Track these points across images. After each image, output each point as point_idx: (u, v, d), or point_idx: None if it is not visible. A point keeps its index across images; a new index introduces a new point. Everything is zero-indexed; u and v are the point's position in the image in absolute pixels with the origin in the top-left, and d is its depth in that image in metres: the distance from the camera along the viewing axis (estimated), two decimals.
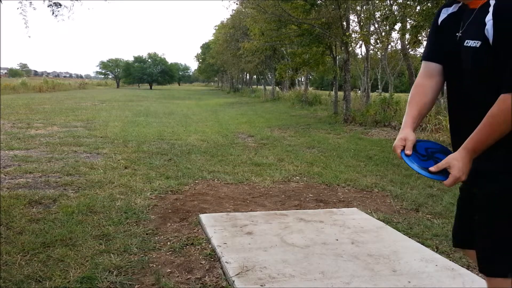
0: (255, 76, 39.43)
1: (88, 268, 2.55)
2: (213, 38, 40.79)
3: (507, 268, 1.42)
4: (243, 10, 22.50)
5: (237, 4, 22.65)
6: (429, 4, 7.50)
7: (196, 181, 4.88)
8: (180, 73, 71.75)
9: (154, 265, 2.66)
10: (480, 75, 1.41)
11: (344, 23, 12.96)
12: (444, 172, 1.45)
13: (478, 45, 1.39)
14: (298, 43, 15.36)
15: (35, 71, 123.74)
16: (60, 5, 8.84)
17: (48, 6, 8.76)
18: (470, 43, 1.41)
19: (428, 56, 1.64)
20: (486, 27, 1.36)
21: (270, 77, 29.81)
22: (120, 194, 4.18)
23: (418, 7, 8.12)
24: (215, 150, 6.91)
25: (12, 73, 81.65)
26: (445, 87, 1.66)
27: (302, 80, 27.75)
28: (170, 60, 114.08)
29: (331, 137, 9.34)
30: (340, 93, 15.35)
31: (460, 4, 1.53)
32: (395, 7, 9.77)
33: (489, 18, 1.36)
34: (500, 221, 1.44)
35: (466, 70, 1.45)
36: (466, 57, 1.43)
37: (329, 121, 12.99)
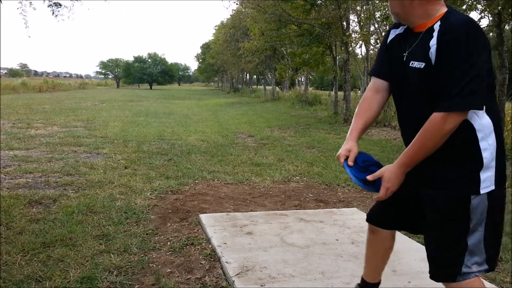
0: (255, 76, 39.44)
1: (88, 268, 2.55)
2: (213, 38, 40.80)
3: (454, 273, 1.54)
4: (243, 10, 22.50)
5: (237, 4, 22.64)
6: None
7: (196, 181, 4.88)
8: (180, 73, 71.83)
9: (154, 265, 2.66)
10: (423, 93, 1.52)
11: (344, 23, 12.96)
12: (377, 184, 1.62)
13: (422, 67, 1.51)
14: (298, 43, 15.36)
15: (35, 71, 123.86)
16: (60, 5, 8.85)
17: (48, 6, 8.77)
18: (415, 64, 1.53)
19: (375, 72, 1.78)
20: (431, 50, 1.48)
21: (270, 77, 29.81)
22: (120, 194, 4.18)
23: None
24: (215, 150, 6.91)
25: (12, 73, 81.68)
26: None
27: (302, 80, 27.75)
28: (170, 60, 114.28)
29: (331, 137, 9.34)
30: (340, 93, 15.34)
31: (406, 26, 1.64)
32: None
33: (433, 43, 1.47)
34: (448, 226, 1.54)
35: (411, 88, 1.57)
36: (411, 77, 1.55)
37: (329, 121, 12.99)
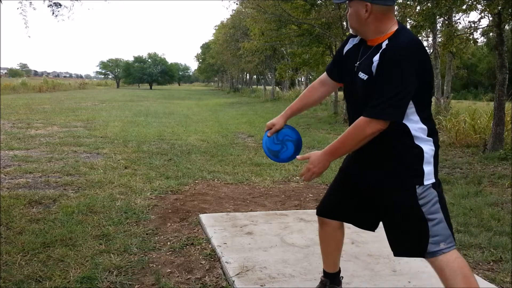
0: (255, 76, 39.42)
1: (88, 268, 2.55)
2: (213, 38, 40.75)
3: (422, 252, 1.75)
4: (243, 10, 22.49)
5: (237, 4, 22.63)
6: (429, 4, 7.49)
7: (196, 181, 4.87)
8: (180, 73, 71.73)
9: (154, 265, 2.66)
10: (365, 99, 1.71)
11: (344, 23, 12.95)
12: (281, 158, 2.01)
13: (365, 78, 1.73)
14: (298, 43, 15.36)
15: (35, 71, 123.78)
16: (60, 5, 8.83)
17: (48, 6, 8.74)
18: (362, 75, 1.75)
19: (328, 71, 2.02)
20: (373, 65, 1.69)
21: (270, 77, 29.80)
22: (120, 194, 4.18)
23: (418, 7, 8.10)
24: (215, 150, 6.91)
25: (12, 73, 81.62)
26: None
27: (302, 80, 27.74)
28: (170, 60, 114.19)
29: (331, 137, 9.33)
30: (340, 93, 15.34)
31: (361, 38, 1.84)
32: (395, 7, 9.76)
33: (376, 59, 1.68)
34: (404, 215, 1.77)
35: (357, 93, 1.79)
36: (358, 85, 1.76)
37: (329, 121, 12.99)
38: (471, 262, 2.83)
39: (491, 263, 2.83)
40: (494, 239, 3.21)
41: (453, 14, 9.98)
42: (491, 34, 11.80)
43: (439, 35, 11.57)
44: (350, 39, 1.92)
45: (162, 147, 7.16)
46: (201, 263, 2.71)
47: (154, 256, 2.80)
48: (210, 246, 2.97)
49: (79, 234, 3.07)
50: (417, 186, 1.71)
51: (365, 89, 1.72)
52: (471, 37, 9.10)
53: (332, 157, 1.79)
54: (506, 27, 9.53)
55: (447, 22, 9.96)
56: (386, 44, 1.67)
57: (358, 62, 1.79)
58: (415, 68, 1.63)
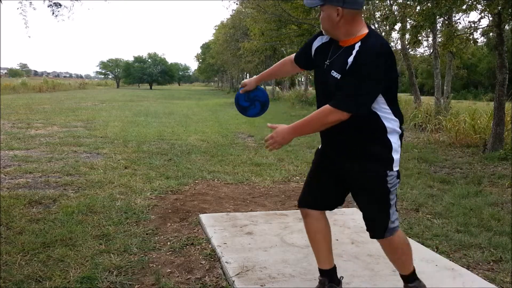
0: None
1: (88, 268, 2.55)
2: (213, 38, 40.79)
3: (382, 232, 2.03)
4: (243, 10, 22.50)
5: (237, 4, 22.64)
6: (429, 4, 7.49)
7: (196, 181, 4.87)
8: (180, 73, 71.70)
9: (154, 265, 2.66)
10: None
11: None
12: (249, 113, 2.41)
13: (339, 77, 1.87)
14: (298, 43, 15.36)
15: (35, 71, 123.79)
16: (60, 5, 8.82)
17: (48, 6, 8.73)
18: (335, 74, 1.88)
19: (296, 59, 2.21)
20: (348, 65, 1.83)
21: None
22: (120, 194, 4.18)
23: (418, 7, 8.10)
24: (215, 150, 6.91)
25: (12, 73, 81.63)
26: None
27: (302, 80, 27.75)
28: (170, 60, 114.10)
29: None
30: None
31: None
32: (395, 7, 9.78)
33: (350, 60, 1.82)
34: (376, 196, 2.00)
35: (329, 89, 1.93)
36: (330, 82, 1.91)
37: None
38: (471, 262, 2.84)
39: (491, 263, 2.83)
40: (494, 239, 3.21)
41: (453, 14, 9.98)
42: (491, 34, 11.79)
43: (439, 35, 11.57)
44: (319, 37, 2.07)
45: (162, 147, 7.16)
46: (201, 263, 2.71)
47: (154, 256, 2.80)
48: (210, 246, 2.97)
49: (79, 234, 3.07)
50: (388, 172, 1.95)
51: (337, 86, 1.87)
52: (471, 37, 9.11)
53: (295, 133, 1.98)
54: (506, 27, 9.52)
55: (447, 22, 9.96)
56: (359, 46, 1.82)
57: (328, 61, 1.95)
58: (384, 69, 1.81)
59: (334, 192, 2.17)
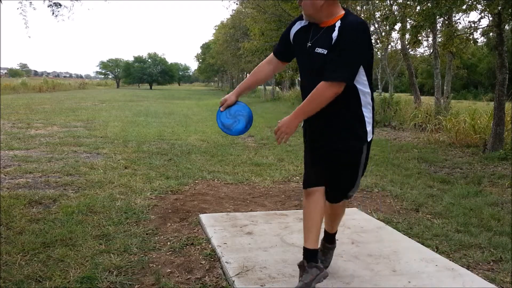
0: None
1: (88, 268, 2.55)
2: (213, 38, 40.78)
3: (342, 198, 2.30)
4: (243, 10, 22.49)
5: (237, 4, 22.63)
6: (429, 4, 7.49)
7: (196, 181, 4.88)
8: (180, 73, 71.66)
9: (154, 265, 2.66)
10: (322, 71, 2.01)
11: None
12: (233, 131, 2.29)
13: (325, 52, 2.01)
14: None
15: (35, 71, 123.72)
16: (60, 5, 8.83)
17: (48, 6, 8.75)
18: (320, 50, 2.03)
19: (275, 53, 2.34)
20: (333, 40, 1.98)
21: None
22: (120, 194, 4.18)
23: (418, 7, 8.10)
24: (215, 150, 6.91)
25: (12, 73, 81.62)
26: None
27: None
28: (170, 60, 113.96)
29: None
30: None
31: (309, 22, 2.13)
32: (395, 7, 9.78)
33: (335, 35, 1.99)
34: (352, 168, 2.21)
35: (314, 67, 2.06)
36: (316, 61, 2.04)
37: None
38: (471, 262, 2.84)
39: (491, 263, 2.83)
40: (494, 239, 3.21)
41: (453, 14, 9.98)
42: (491, 34, 11.79)
43: (439, 35, 11.57)
44: (298, 22, 2.21)
45: (162, 147, 7.16)
46: (201, 263, 2.71)
47: (154, 256, 2.80)
48: (210, 246, 2.97)
49: (79, 234, 3.07)
50: (363, 146, 2.16)
51: (324, 62, 2.01)
52: (471, 37, 9.12)
53: (298, 118, 2.08)
54: (506, 27, 9.51)
55: (447, 22, 9.97)
56: (340, 24, 2.00)
57: (310, 42, 2.10)
58: (367, 42, 2.01)
59: (327, 167, 2.26)
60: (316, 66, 2.05)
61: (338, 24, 2.00)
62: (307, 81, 2.15)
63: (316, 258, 2.26)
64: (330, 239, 2.52)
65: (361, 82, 2.07)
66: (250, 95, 31.38)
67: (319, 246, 2.35)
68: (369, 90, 2.11)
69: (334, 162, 2.20)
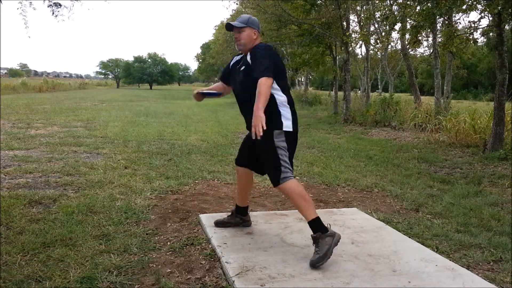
0: None
1: (88, 268, 2.55)
2: (213, 38, 40.75)
3: (277, 180, 2.77)
4: (243, 10, 22.48)
5: (237, 4, 22.63)
6: (429, 4, 7.49)
7: (196, 181, 4.87)
8: (180, 73, 71.61)
9: (154, 265, 2.66)
10: (245, 85, 2.87)
11: (344, 23, 12.96)
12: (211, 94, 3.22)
13: (244, 68, 2.91)
14: (298, 43, 15.35)
15: (35, 71, 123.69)
16: (60, 5, 8.82)
17: (48, 6, 8.72)
18: (242, 68, 2.93)
19: (221, 79, 3.28)
20: (248, 60, 2.88)
21: None
22: (120, 194, 4.18)
23: (418, 7, 8.10)
24: (215, 150, 6.91)
25: (12, 73, 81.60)
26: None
27: (302, 80, 27.74)
28: (170, 60, 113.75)
29: (331, 137, 9.34)
30: (340, 93, 15.33)
31: (242, 55, 3.03)
32: (395, 7, 9.77)
33: (249, 57, 2.88)
34: (263, 154, 2.84)
35: (245, 80, 2.87)
36: (244, 75, 2.89)
37: (329, 121, 12.99)
38: (471, 262, 2.84)
39: (491, 263, 2.83)
40: (494, 239, 3.21)
41: (453, 14, 9.98)
42: (491, 34, 11.80)
43: (439, 35, 11.57)
44: (234, 57, 3.13)
45: (162, 147, 7.16)
46: (201, 263, 2.71)
47: (154, 256, 2.80)
48: (210, 246, 2.97)
49: (79, 234, 3.07)
50: (274, 130, 2.73)
51: (245, 75, 2.87)
52: (471, 37, 9.11)
53: (260, 109, 2.54)
54: (506, 27, 9.51)
55: (447, 22, 9.96)
56: (253, 49, 2.88)
57: (239, 66, 2.97)
58: (271, 55, 2.78)
59: (254, 154, 2.99)
60: (244, 78, 2.88)
61: (252, 49, 2.89)
62: (242, 94, 2.96)
63: (243, 212, 3.17)
64: (310, 227, 2.75)
65: (275, 89, 2.78)
66: None
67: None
68: (283, 95, 2.81)
69: (257, 146, 2.85)
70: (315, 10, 13.22)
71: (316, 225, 2.67)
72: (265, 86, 2.62)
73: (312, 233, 2.68)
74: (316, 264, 2.56)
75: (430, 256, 2.83)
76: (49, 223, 3.27)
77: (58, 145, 6.99)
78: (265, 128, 2.53)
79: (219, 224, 3.28)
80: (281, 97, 2.79)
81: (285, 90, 2.83)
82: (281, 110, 2.78)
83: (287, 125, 2.77)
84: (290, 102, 2.84)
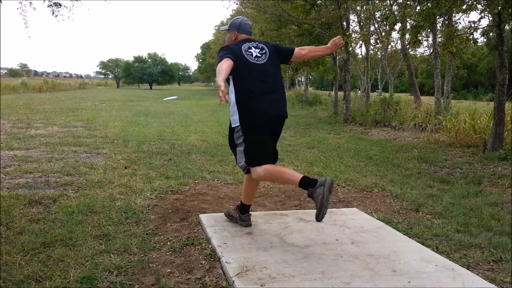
0: None
1: (88, 268, 2.55)
2: (213, 38, 40.78)
3: (243, 167, 3.06)
4: (243, 10, 22.48)
5: (237, 4, 22.63)
6: (429, 4, 7.49)
7: (196, 181, 4.87)
8: (180, 73, 71.56)
9: (154, 265, 2.66)
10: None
11: (344, 23, 12.96)
12: None
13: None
14: (298, 43, 15.33)
15: (35, 71, 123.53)
16: (60, 5, 8.84)
17: (48, 6, 8.76)
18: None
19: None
20: None
21: None
22: (120, 194, 4.18)
23: (418, 7, 8.10)
24: (215, 150, 6.91)
25: (12, 73, 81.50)
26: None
27: (302, 80, 27.74)
28: (170, 60, 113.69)
29: (331, 137, 9.34)
30: (340, 93, 15.33)
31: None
32: (395, 7, 9.77)
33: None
34: (231, 144, 3.17)
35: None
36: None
37: (329, 121, 12.99)
38: (471, 262, 2.84)
39: (491, 263, 2.83)
40: (494, 239, 3.21)
41: (453, 14, 9.98)
42: (491, 34, 11.79)
43: (439, 35, 11.57)
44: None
45: (162, 147, 7.16)
46: (201, 263, 2.71)
47: (154, 256, 2.80)
48: (210, 246, 2.97)
49: (79, 234, 3.07)
50: (234, 127, 3.01)
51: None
52: (471, 37, 9.10)
53: (220, 79, 2.74)
54: (506, 27, 9.51)
55: (447, 22, 9.96)
56: None
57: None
58: (225, 52, 2.97)
59: None
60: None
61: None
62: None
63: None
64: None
65: (231, 89, 3.02)
66: None
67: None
68: (233, 95, 2.97)
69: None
70: (315, 10, 13.22)
71: (305, 183, 2.76)
72: (220, 66, 2.89)
73: (307, 192, 2.81)
74: (317, 218, 2.73)
75: (430, 256, 2.83)
76: (49, 223, 3.27)
77: (58, 145, 6.99)
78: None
79: (226, 215, 3.46)
80: (233, 96, 3.00)
81: (242, 84, 3.00)
82: (233, 108, 3.01)
83: (235, 120, 2.99)
84: (244, 98, 2.99)
